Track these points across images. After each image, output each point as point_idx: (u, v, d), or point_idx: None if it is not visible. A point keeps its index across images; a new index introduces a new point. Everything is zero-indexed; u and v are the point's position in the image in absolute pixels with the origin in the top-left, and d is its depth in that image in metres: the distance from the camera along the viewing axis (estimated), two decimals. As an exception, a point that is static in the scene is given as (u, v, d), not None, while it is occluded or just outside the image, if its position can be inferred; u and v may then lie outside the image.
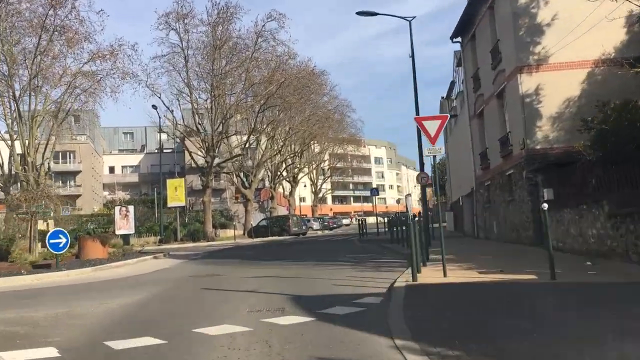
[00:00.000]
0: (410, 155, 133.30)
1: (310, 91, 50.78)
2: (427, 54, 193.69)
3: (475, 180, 26.08)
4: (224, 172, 54.53)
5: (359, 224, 33.10)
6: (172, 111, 41.32)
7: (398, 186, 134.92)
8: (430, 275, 11.68)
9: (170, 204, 39.53)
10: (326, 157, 76.63)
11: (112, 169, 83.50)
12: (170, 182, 39.79)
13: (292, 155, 60.03)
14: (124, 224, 37.51)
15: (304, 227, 49.73)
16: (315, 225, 60.18)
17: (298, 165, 64.30)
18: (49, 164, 33.64)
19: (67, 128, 45.01)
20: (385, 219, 39.49)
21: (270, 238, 42.91)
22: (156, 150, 74.90)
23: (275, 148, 54.66)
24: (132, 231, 37.47)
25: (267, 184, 60.72)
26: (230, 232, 44.52)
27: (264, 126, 49.46)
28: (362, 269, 14.64)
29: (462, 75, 29.21)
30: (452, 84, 34.04)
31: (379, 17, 21.52)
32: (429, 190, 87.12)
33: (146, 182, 78.06)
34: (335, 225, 70.47)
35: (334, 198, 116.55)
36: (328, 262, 17.39)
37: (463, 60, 26.65)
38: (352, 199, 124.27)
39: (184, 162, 69.54)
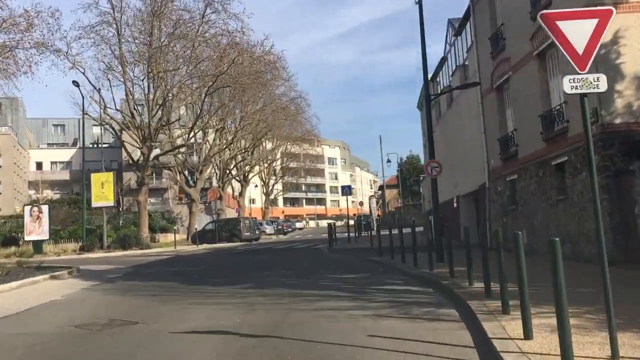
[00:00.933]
0: (364, 157, 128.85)
1: (265, 78, 44.41)
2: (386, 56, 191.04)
3: (489, 175, 20.21)
4: (165, 168, 47.72)
5: (329, 229, 26.96)
6: (99, 90, 33.99)
7: (352, 188, 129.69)
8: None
9: (95, 203, 32.17)
10: (278, 155, 70.28)
11: (39, 165, 74.94)
12: (96, 177, 32.33)
13: (242, 152, 53.36)
14: (35, 228, 30.47)
15: (256, 232, 43.44)
16: (269, 229, 54.06)
17: (249, 163, 57.68)
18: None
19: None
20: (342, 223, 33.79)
21: (218, 245, 36.40)
22: (91, 145, 66.84)
23: (225, 142, 48.02)
24: (45, 237, 30.59)
25: (214, 182, 54.14)
26: (171, 237, 37.60)
27: (212, 115, 42.80)
28: (377, 310, 8.66)
29: (464, 45, 23.40)
30: (442, 61, 28.21)
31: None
32: (390, 193, 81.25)
33: (78, 180, 69.47)
34: (289, 229, 64.71)
35: (285, 200, 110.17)
36: (311, 291, 11.36)
37: (473, 20, 20.77)
38: (304, 201, 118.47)
39: (121, 159, 61.88)
